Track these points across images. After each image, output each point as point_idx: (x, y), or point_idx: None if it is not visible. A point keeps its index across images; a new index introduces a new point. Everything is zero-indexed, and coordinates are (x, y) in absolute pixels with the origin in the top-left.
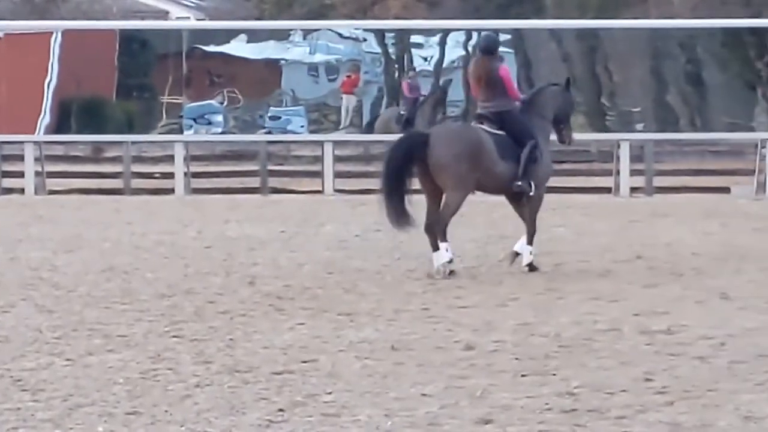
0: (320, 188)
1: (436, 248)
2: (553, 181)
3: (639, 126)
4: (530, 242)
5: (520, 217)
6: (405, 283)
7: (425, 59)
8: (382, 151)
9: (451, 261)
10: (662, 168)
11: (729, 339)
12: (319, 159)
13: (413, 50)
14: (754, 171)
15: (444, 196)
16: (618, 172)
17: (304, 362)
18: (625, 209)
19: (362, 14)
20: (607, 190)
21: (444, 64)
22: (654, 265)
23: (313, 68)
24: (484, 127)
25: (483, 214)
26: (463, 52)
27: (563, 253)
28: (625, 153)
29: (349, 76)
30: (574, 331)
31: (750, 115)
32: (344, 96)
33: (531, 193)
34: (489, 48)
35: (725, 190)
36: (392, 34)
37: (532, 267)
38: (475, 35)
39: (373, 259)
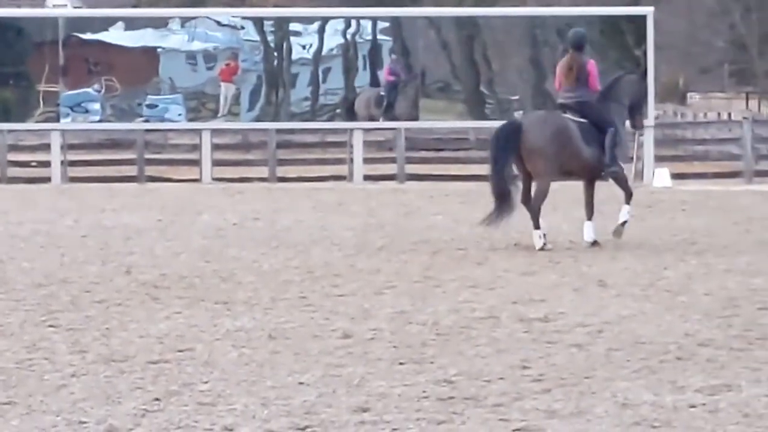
0: (198, 177)
1: (537, 227)
2: (431, 169)
3: (517, 114)
4: (628, 202)
5: (586, 201)
6: (282, 272)
7: (304, 47)
8: (261, 139)
9: (544, 246)
10: None
11: (605, 326)
12: (197, 147)
13: (292, 38)
14: (632, 158)
15: (534, 183)
16: None
17: (180, 351)
18: None
19: (241, 2)
20: (485, 177)
21: (323, 52)
22: (531, 252)
23: (191, 56)
24: (568, 115)
25: (361, 203)
26: (342, 40)
27: (441, 241)
28: None
29: (227, 64)
30: (452, 319)
31: None
32: (223, 84)
33: (617, 174)
34: (578, 43)
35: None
36: (271, 22)
37: (623, 226)
38: (353, 23)
39: (250, 247)
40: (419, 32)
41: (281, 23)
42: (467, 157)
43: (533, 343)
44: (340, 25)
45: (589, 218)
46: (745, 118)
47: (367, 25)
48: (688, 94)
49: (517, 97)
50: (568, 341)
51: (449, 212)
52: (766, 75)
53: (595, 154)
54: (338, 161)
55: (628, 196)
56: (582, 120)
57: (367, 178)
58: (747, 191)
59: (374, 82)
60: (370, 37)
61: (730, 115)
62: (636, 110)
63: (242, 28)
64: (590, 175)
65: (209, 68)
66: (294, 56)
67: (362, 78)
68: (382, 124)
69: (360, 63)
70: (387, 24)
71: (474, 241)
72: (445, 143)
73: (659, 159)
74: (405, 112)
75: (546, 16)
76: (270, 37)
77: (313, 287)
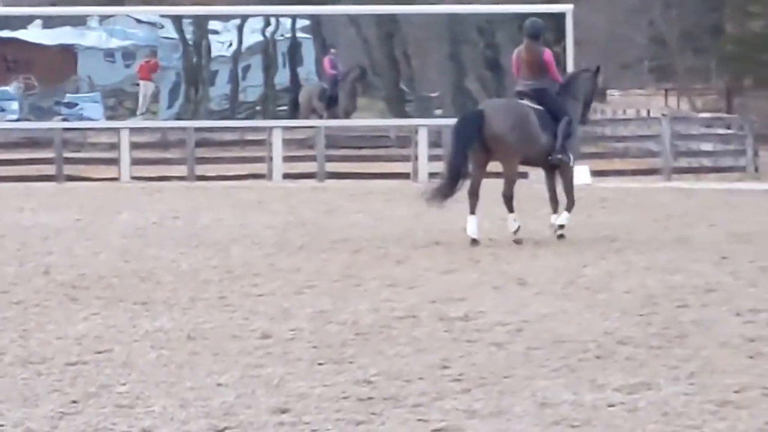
0: (117, 175)
1: (473, 212)
2: (352, 167)
3: (437, 111)
4: (570, 210)
5: (549, 192)
6: (201, 271)
7: (223, 45)
8: (180, 137)
9: (518, 230)
10: None
11: (525, 325)
12: (115, 146)
13: (211, 36)
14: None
15: (503, 170)
16: (417, 158)
17: (99, 352)
18: None
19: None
20: (406, 175)
21: (242, 50)
22: (452, 251)
23: (109, 54)
24: (526, 102)
25: (281, 201)
26: (261, 38)
27: (361, 239)
28: (423, 138)
29: (146, 62)
30: (372, 319)
31: None
32: (141, 82)
33: (571, 164)
34: (535, 33)
35: (524, 175)
36: (190, 20)
37: (562, 230)
38: (273, 21)
39: (169, 246)
40: (339, 30)
41: (200, 21)
42: (388, 155)
43: (453, 343)
44: (259, 22)
45: (555, 211)
46: (664, 115)
47: (287, 22)
48: (608, 91)
49: (437, 95)
50: (488, 340)
51: (370, 210)
52: (685, 72)
53: (551, 142)
54: (258, 159)
55: (571, 204)
56: (539, 107)
57: (286, 176)
58: (666, 188)
59: (294, 79)
60: (289, 35)
61: (649, 112)
62: (586, 106)
63: (161, 26)
64: (543, 163)
65: (128, 66)
66: (213, 54)
67: (282, 75)
68: (300, 122)
69: (279, 61)
70: (307, 22)
71: (394, 240)
72: (366, 141)
73: (579, 156)
74: (345, 107)
75: (465, 14)
76: (189, 35)
77: (233, 287)
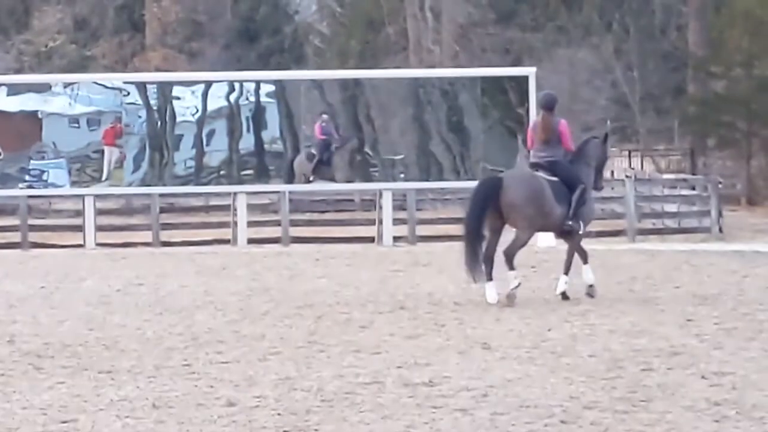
0: (82, 242)
1: (490, 278)
2: (316, 231)
3: (401, 175)
4: (587, 262)
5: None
6: (166, 339)
7: (188, 110)
8: (144, 203)
9: (518, 286)
10: (425, 217)
11: (490, 390)
12: (80, 212)
13: (175, 102)
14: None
15: (515, 232)
16: (381, 222)
17: (64, 422)
18: (388, 258)
19: (123, 66)
20: (371, 239)
21: (207, 115)
22: (416, 315)
23: (74, 120)
24: (541, 174)
25: (245, 267)
26: (225, 103)
27: (325, 304)
28: (387, 202)
29: (111, 128)
30: (336, 385)
31: (512, 162)
32: (106, 148)
33: (580, 232)
34: (549, 105)
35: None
36: (154, 86)
37: (591, 288)
38: (237, 86)
39: (134, 313)
40: (303, 94)
41: (164, 87)
42: (352, 219)
43: (418, 408)
44: (223, 88)
45: (566, 273)
46: (627, 176)
47: (251, 87)
48: None
49: (401, 158)
50: (452, 406)
51: (334, 275)
52: (648, 133)
53: (565, 212)
54: (223, 224)
55: (585, 257)
56: (553, 178)
57: (251, 241)
58: (630, 250)
59: (258, 144)
60: (253, 100)
61: (613, 173)
62: (598, 172)
63: (127, 93)
64: (558, 230)
65: (92, 132)
66: (178, 119)
67: (246, 140)
68: (265, 187)
69: (244, 125)
70: (271, 87)
71: (358, 305)
72: (330, 205)
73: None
74: (340, 173)
75: (428, 77)
76: (153, 101)
77: (197, 354)
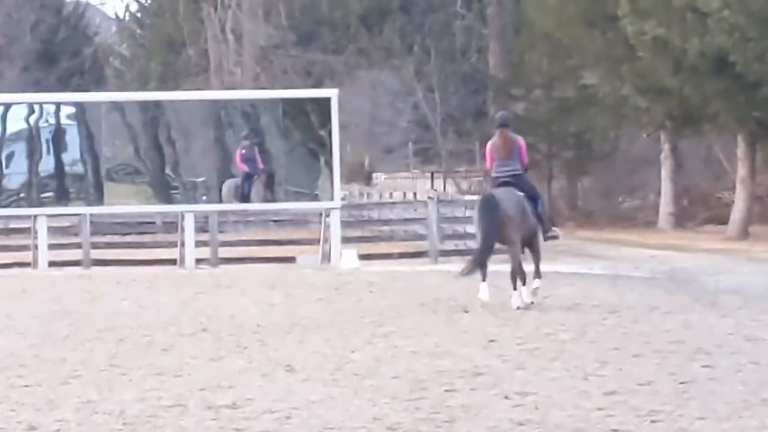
0: None
1: (484, 280)
2: (117, 254)
3: (203, 197)
4: (540, 277)
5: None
6: None
7: None
8: None
9: (519, 306)
10: (227, 239)
11: (294, 412)
12: None
13: None
14: (319, 240)
15: (510, 250)
16: (183, 244)
17: None
18: (190, 281)
19: None
20: (173, 261)
21: (6, 137)
22: (219, 337)
23: None
24: (512, 189)
25: (46, 290)
26: (25, 125)
27: (126, 327)
28: (189, 224)
29: None
30: (138, 408)
31: (314, 185)
32: None
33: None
34: (506, 122)
35: (291, 259)
36: None
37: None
38: (37, 108)
39: None
40: (103, 116)
41: None
42: (153, 242)
43: (221, 431)
44: (23, 110)
45: (524, 283)
46: (430, 198)
47: (51, 110)
48: (374, 174)
49: (202, 180)
50: (256, 428)
51: (135, 297)
52: (450, 154)
53: (536, 223)
54: (23, 248)
55: (539, 273)
56: (521, 193)
57: (52, 264)
58: (433, 271)
59: (59, 166)
60: (53, 122)
61: (415, 194)
62: None
63: None
64: (531, 242)
65: None
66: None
67: (47, 163)
68: (65, 209)
69: (44, 148)
70: (72, 109)
71: (160, 327)
72: (131, 227)
73: (346, 240)
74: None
75: (229, 99)
76: None
77: None
